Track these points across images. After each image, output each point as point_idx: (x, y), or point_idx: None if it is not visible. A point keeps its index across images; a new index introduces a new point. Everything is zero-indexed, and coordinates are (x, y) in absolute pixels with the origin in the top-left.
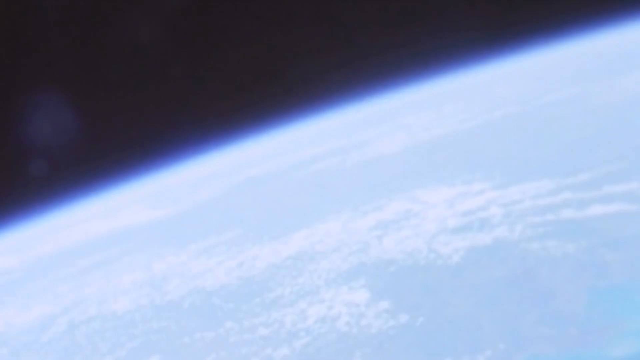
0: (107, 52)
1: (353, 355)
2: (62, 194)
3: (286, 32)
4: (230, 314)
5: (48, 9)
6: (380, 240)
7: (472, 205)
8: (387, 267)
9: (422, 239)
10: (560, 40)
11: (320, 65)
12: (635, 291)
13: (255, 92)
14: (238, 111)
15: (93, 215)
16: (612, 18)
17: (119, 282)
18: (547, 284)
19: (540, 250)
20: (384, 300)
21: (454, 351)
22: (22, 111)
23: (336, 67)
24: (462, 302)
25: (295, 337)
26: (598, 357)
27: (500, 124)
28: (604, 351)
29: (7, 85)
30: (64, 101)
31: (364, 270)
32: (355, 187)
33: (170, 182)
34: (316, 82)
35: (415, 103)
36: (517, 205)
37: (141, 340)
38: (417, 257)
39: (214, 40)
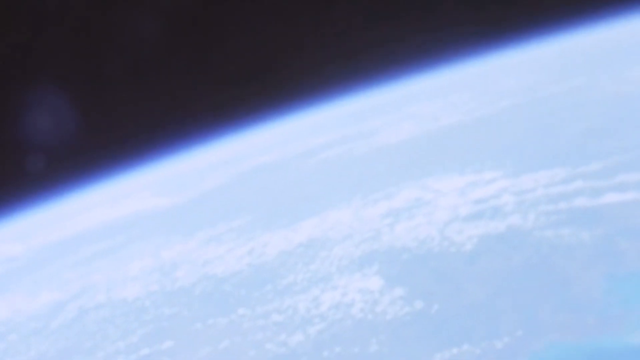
0: (112, 44)
1: (369, 342)
2: (68, 182)
3: (295, 22)
4: (243, 300)
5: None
6: (392, 228)
7: (483, 194)
8: (400, 254)
9: (434, 226)
10: (567, 32)
11: (328, 54)
12: None
13: (262, 81)
14: (245, 100)
15: (99, 202)
16: (619, 10)
17: (128, 269)
18: (563, 271)
19: (554, 238)
20: (398, 287)
21: (472, 338)
22: (32, 101)
23: (343, 56)
24: (477, 290)
25: (309, 324)
26: (616, 345)
27: (508, 113)
28: (622, 338)
29: (18, 77)
30: (73, 91)
31: (377, 257)
32: (364, 176)
33: (176, 170)
34: (323, 71)
35: (421, 93)
36: (529, 193)
37: (153, 327)
38: (430, 245)
39: (223, 29)
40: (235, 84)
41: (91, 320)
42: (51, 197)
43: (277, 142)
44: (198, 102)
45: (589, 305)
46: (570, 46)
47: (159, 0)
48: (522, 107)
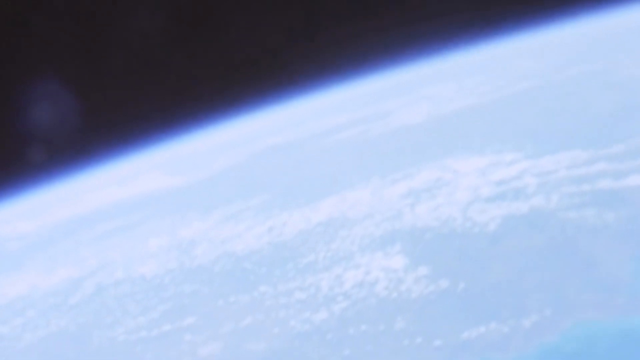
0: (122, 23)
1: (395, 320)
2: (82, 160)
3: (307, 3)
4: (264, 278)
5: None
6: (413, 208)
7: (505, 175)
8: (423, 234)
9: (456, 207)
10: (585, 14)
11: (343, 35)
12: None
13: (278, 60)
14: (259, 79)
15: (112, 181)
16: None
17: (145, 246)
18: (588, 252)
19: (578, 219)
20: (422, 266)
21: (499, 316)
22: (45, 82)
23: (358, 37)
24: (503, 269)
25: (333, 302)
26: None
27: (527, 95)
28: None
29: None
30: (85, 71)
31: (399, 236)
32: (382, 156)
33: (190, 149)
34: (339, 51)
35: (436, 75)
36: (551, 175)
37: (173, 303)
38: (452, 225)
39: (237, 6)
40: (250, 63)
41: (110, 296)
42: (64, 175)
43: (292, 122)
44: (212, 81)
45: (616, 286)
46: (588, 28)
47: None
48: (541, 89)
